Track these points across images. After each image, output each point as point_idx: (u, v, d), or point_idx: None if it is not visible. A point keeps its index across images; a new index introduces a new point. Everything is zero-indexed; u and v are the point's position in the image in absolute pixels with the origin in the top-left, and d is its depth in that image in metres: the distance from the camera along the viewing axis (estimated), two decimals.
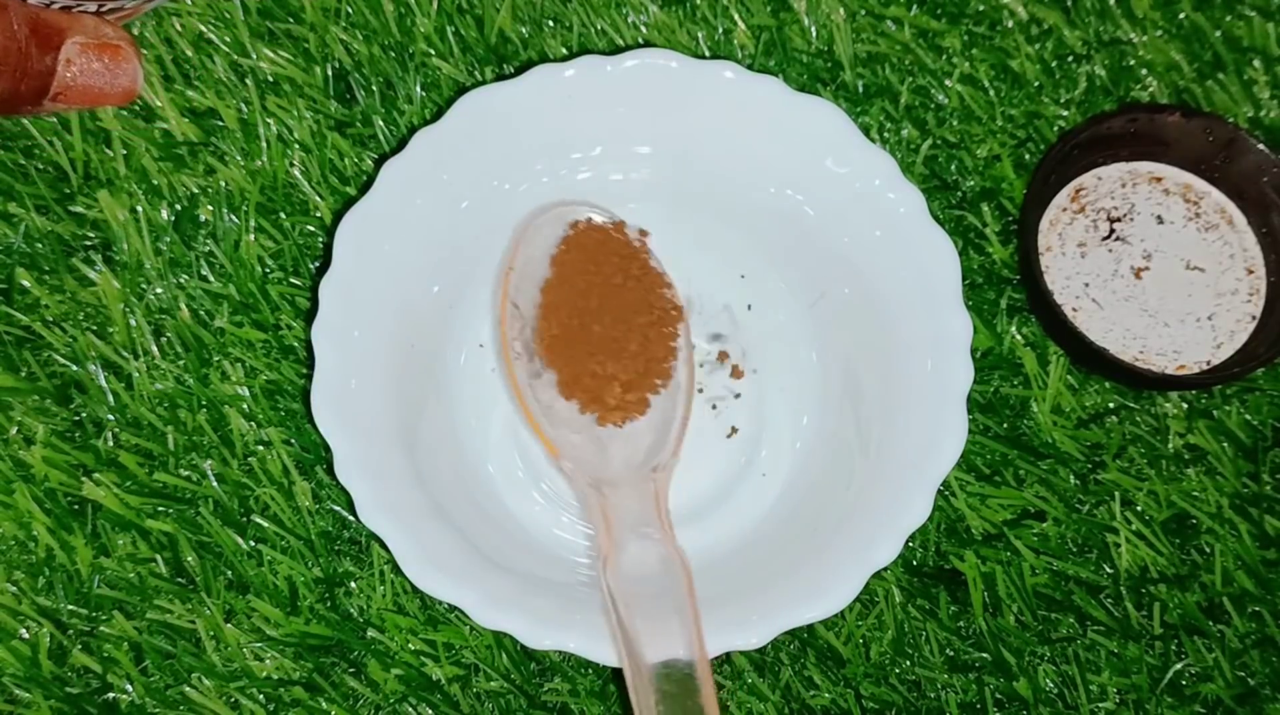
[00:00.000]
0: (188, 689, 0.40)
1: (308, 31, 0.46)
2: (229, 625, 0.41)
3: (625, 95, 0.42)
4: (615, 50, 0.44)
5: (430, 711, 0.40)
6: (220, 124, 0.45)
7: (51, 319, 0.43)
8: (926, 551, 0.43)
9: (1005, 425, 0.44)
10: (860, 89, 0.47)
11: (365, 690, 0.40)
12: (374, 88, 0.46)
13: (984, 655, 0.42)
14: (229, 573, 0.41)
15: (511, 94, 0.41)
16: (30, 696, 0.40)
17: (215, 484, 0.42)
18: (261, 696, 0.40)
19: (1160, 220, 0.46)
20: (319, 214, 0.45)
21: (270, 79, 0.46)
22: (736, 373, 0.44)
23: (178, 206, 0.44)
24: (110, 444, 0.42)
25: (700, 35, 0.47)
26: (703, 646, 0.36)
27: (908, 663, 0.42)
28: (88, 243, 0.44)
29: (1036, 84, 0.47)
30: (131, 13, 0.39)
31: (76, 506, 0.41)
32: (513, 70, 0.46)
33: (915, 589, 0.42)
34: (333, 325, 0.39)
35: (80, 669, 0.40)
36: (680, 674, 0.35)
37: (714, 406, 0.43)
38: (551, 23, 0.47)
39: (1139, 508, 0.43)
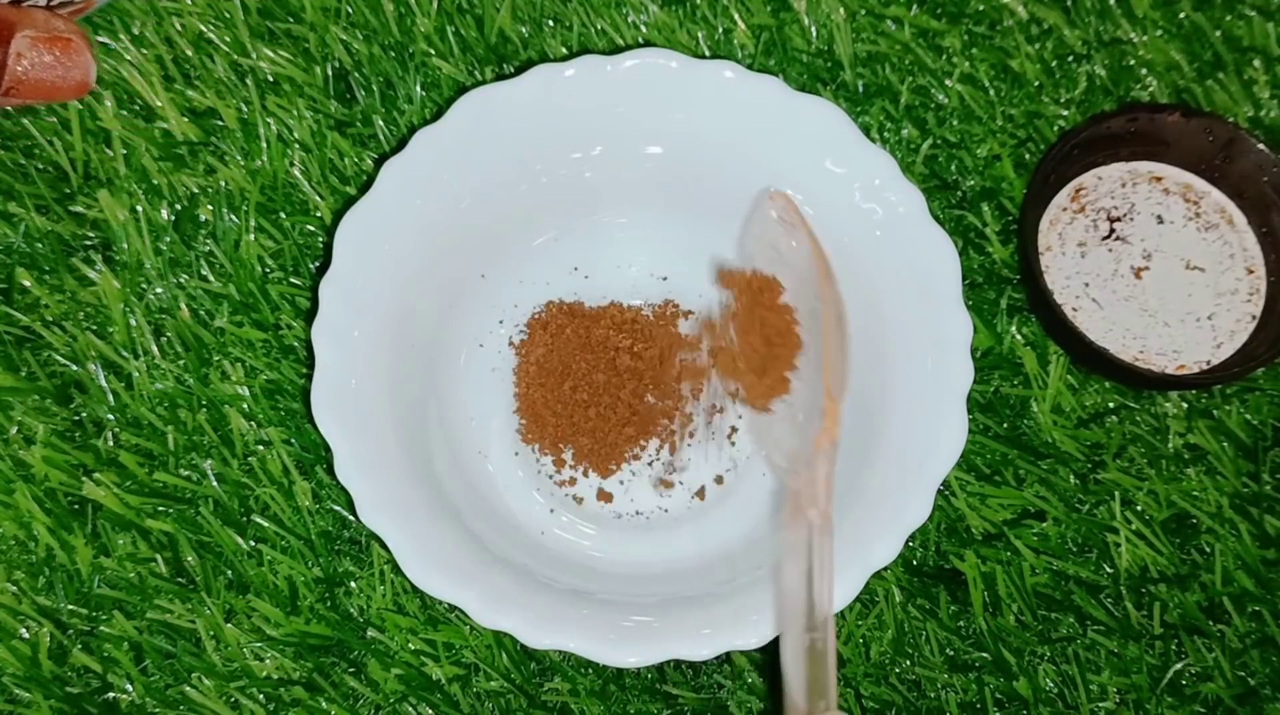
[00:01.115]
0: (188, 689, 0.40)
1: (308, 31, 0.46)
2: (229, 625, 0.41)
3: (625, 95, 0.42)
4: (615, 50, 0.44)
5: (430, 711, 0.40)
6: (220, 124, 0.45)
7: (51, 319, 0.43)
8: (926, 551, 0.43)
9: (1005, 425, 0.44)
10: (860, 89, 0.47)
11: (365, 690, 0.40)
12: (374, 88, 0.46)
13: (984, 655, 0.42)
14: (229, 572, 0.41)
15: (511, 94, 0.41)
16: (30, 696, 0.40)
17: (215, 484, 0.42)
18: (261, 696, 0.40)
19: (1160, 220, 0.46)
20: (319, 214, 0.45)
21: (270, 79, 0.46)
22: None
23: (178, 206, 0.44)
24: (110, 444, 0.42)
25: (700, 35, 0.47)
26: (820, 622, 0.35)
27: (908, 662, 0.42)
28: (88, 242, 0.44)
29: (1036, 84, 0.47)
30: (83, 8, 0.39)
31: (76, 506, 0.41)
32: (513, 70, 0.46)
33: (915, 589, 0.42)
34: (333, 325, 0.39)
35: (80, 669, 0.40)
36: (813, 646, 0.35)
37: (716, 407, 0.43)
38: (551, 22, 0.47)
39: (1139, 507, 0.43)
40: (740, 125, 0.42)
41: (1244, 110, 0.47)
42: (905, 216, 0.41)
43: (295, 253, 0.44)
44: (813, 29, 0.47)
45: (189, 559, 0.41)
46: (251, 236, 0.44)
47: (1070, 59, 0.47)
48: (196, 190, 0.44)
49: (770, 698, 0.41)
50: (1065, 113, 0.47)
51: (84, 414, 0.42)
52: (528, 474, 0.43)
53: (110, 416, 0.42)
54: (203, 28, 0.46)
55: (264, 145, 0.45)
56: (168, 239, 0.44)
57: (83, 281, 0.43)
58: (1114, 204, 0.46)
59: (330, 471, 0.40)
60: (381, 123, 0.45)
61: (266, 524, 0.42)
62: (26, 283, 0.43)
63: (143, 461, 0.42)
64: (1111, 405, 0.44)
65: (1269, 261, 0.46)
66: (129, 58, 0.45)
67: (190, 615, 0.41)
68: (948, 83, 0.47)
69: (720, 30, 0.47)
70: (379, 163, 0.43)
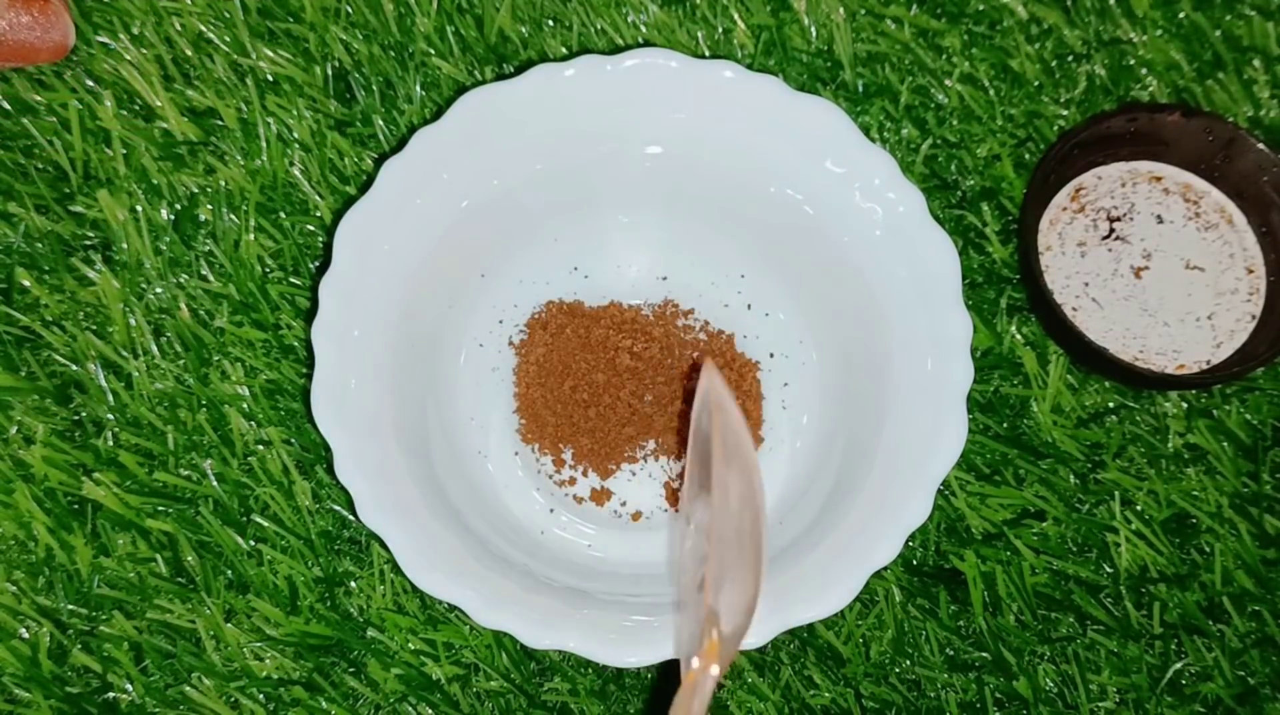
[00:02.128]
0: (188, 689, 0.40)
1: (308, 31, 0.46)
2: (229, 625, 0.41)
3: (625, 95, 0.42)
4: (615, 50, 0.44)
5: (430, 711, 0.40)
6: (220, 123, 0.45)
7: (51, 319, 0.43)
8: (926, 551, 0.43)
9: (1005, 425, 0.44)
10: (860, 89, 0.47)
11: (365, 690, 0.40)
12: (374, 87, 0.46)
13: (984, 655, 0.42)
14: (229, 572, 0.41)
15: (511, 93, 0.41)
16: (30, 696, 0.40)
17: (215, 483, 0.42)
18: (261, 696, 0.40)
19: (1160, 220, 0.46)
20: (319, 213, 0.45)
21: (270, 78, 0.46)
22: None
23: (178, 206, 0.44)
24: (110, 443, 0.42)
25: (700, 35, 0.47)
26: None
27: (908, 662, 0.42)
28: (88, 242, 0.44)
29: (1036, 83, 0.47)
30: None
31: (76, 506, 0.41)
32: (513, 70, 0.46)
33: (915, 588, 0.42)
34: (333, 325, 0.39)
35: (80, 669, 0.40)
36: None
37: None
38: (551, 22, 0.47)
39: (1139, 507, 0.43)
40: (740, 125, 0.42)
41: (1244, 110, 0.47)
42: (905, 216, 0.41)
43: (295, 253, 0.44)
44: (813, 29, 0.47)
45: (189, 559, 0.41)
46: (251, 236, 0.44)
47: (1070, 59, 0.47)
48: (196, 190, 0.44)
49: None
50: (1065, 113, 0.47)
51: (84, 414, 0.42)
52: (527, 474, 0.43)
53: (110, 416, 0.42)
54: (202, 28, 0.46)
55: (264, 145, 0.45)
56: (167, 239, 0.44)
57: (82, 281, 0.43)
58: (1114, 204, 0.46)
59: (330, 471, 0.40)
60: (381, 122, 0.45)
61: (266, 524, 0.42)
62: (26, 283, 0.43)
63: (143, 461, 0.42)
64: (1111, 405, 0.44)
65: (1269, 261, 0.46)
66: (129, 58, 0.45)
67: (190, 615, 0.41)
68: (948, 83, 0.47)
69: (720, 30, 0.47)
70: (379, 163, 0.43)
